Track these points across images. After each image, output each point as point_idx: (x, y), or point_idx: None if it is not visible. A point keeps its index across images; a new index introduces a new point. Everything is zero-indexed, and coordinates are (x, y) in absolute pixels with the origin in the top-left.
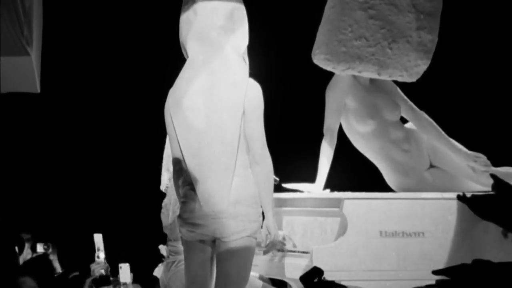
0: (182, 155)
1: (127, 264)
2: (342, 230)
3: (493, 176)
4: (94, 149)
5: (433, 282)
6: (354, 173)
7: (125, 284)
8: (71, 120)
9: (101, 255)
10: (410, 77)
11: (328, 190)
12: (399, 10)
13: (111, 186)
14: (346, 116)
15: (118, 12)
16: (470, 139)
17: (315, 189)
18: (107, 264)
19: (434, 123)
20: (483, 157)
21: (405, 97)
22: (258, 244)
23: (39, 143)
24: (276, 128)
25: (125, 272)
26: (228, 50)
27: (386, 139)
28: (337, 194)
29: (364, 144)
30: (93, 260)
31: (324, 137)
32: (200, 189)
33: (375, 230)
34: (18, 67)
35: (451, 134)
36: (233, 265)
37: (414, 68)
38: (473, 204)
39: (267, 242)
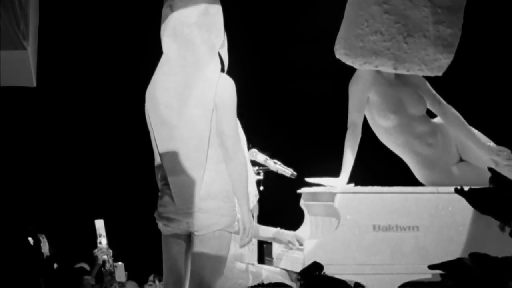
0: (158, 150)
1: (122, 263)
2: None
3: (490, 169)
4: (91, 141)
5: (428, 276)
6: (380, 167)
7: (120, 283)
8: (68, 114)
9: (103, 241)
10: (431, 71)
11: (352, 185)
12: (414, 4)
13: (110, 176)
14: (369, 110)
15: (114, 7)
16: (496, 133)
17: (339, 183)
18: (109, 250)
19: (460, 117)
20: (506, 151)
21: (433, 91)
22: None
23: (36, 137)
24: (302, 122)
25: (120, 271)
26: (201, 47)
27: (410, 133)
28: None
29: (388, 138)
30: (95, 246)
31: (348, 132)
32: (173, 184)
33: (368, 224)
34: (14, 61)
35: (478, 129)
36: (206, 258)
37: (435, 62)
38: (471, 198)
39: (243, 236)
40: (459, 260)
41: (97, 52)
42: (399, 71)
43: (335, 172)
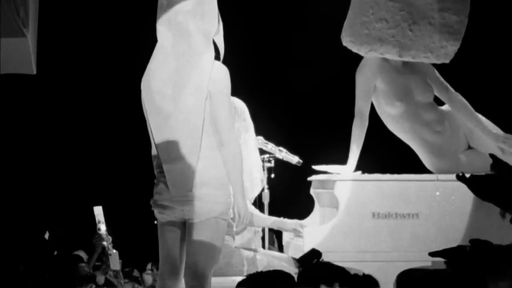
0: (153, 138)
1: (116, 251)
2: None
3: (492, 156)
4: (91, 129)
5: (428, 264)
6: (388, 155)
7: (115, 271)
8: (67, 101)
9: (102, 227)
10: (438, 59)
11: (359, 172)
12: None
13: (108, 164)
14: (376, 98)
15: None
16: (504, 121)
17: (346, 171)
18: (109, 236)
19: (468, 104)
20: None
21: (441, 78)
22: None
23: (35, 124)
24: (310, 110)
25: (114, 259)
26: (195, 35)
27: (417, 120)
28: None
29: (395, 126)
30: (95, 233)
31: (355, 120)
32: (168, 171)
33: (368, 211)
34: (14, 48)
35: (486, 116)
36: (201, 245)
37: (441, 49)
38: (472, 184)
39: (238, 223)
40: (459, 248)
41: (96, 40)
42: (404, 59)
43: (342, 160)
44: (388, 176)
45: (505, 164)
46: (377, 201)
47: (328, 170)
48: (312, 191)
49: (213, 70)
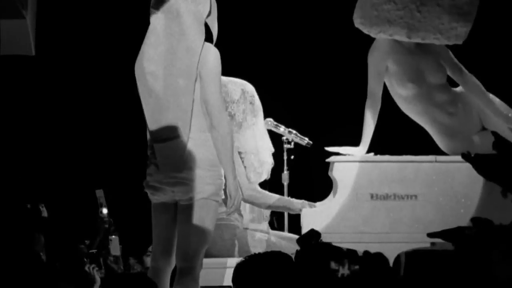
0: (146, 120)
1: (116, 236)
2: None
3: (494, 133)
4: (92, 111)
5: (427, 245)
6: (401, 136)
7: (115, 256)
8: (67, 83)
9: (104, 210)
10: (449, 40)
11: (372, 154)
12: None
13: (109, 147)
14: (389, 79)
15: None
16: None
17: (358, 152)
18: (110, 219)
19: (481, 86)
20: None
21: (454, 59)
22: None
23: (35, 106)
24: (323, 91)
25: (114, 244)
26: (186, 16)
27: (429, 102)
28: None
29: (407, 107)
30: (97, 216)
31: (367, 101)
32: (158, 152)
33: (366, 193)
34: (13, 30)
35: (500, 97)
36: (191, 227)
37: (451, 31)
38: (476, 163)
39: (229, 204)
40: (458, 229)
41: (95, 21)
42: (413, 40)
43: (355, 141)
44: (386, 157)
45: (508, 142)
46: (376, 183)
47: (341, 152)
48: (330, 173)
49: (203, 52)
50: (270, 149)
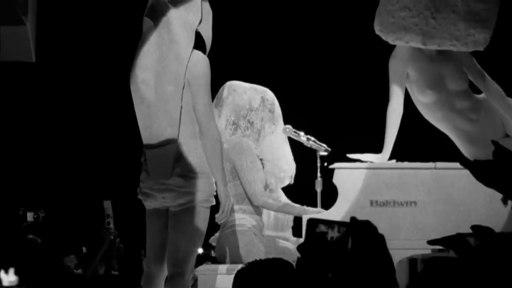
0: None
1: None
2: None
3: (494, 142)
4: (89, 116)
5: (427, 252)
6: (424, 143)
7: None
8: (68, 89)
9: (111, 221)
10: (466, 46)
11: (394, 161)
12: None
13: (112, 152)
14: (410, 86)
15: None
16: None
17: (380, 159)
18: (116, 231)
19: (502, 92)
20: None
21: (477, 66)
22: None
23: (35, 112)
24: (343, 99)
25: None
26: (175, 24)
27: (449, 108)
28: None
29: (428, 113)
30: (103, 227)
31: (389, 107)
32: (149, 159)
33: (366, 199)
34: (14, 36)
35: None
36: (181, 233)
37: (468, 37)
38: (475, 170)
39: (219, 211)
40: (458, 236)
41: (95, 28)
42: (429, 47)
43: (377, 148)
44: (386, 163)
45: (507, 150)
46: (375, 189)
47: (362, 159)
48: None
49: (192, 60)
50: (286, 157)
